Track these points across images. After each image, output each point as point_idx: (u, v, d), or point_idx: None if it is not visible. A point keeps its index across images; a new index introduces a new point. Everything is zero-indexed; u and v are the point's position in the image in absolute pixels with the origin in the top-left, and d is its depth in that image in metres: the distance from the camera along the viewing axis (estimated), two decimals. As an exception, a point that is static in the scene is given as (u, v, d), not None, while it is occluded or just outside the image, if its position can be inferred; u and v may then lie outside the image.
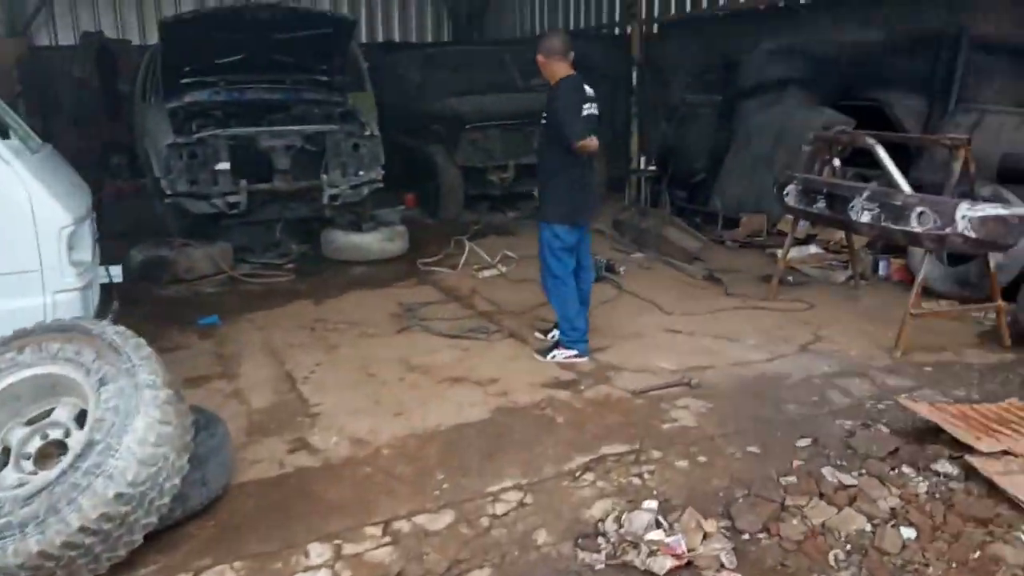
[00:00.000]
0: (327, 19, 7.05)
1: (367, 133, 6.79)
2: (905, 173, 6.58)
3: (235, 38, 6.76)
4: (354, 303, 5.87)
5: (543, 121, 4.44)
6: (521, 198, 9.10)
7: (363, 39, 13.38)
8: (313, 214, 6.97)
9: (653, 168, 8.91)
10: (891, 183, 4.56)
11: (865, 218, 4.48)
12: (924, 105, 6.51)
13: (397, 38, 13.58)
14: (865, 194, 4.52)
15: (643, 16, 9.72)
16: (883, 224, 4.38)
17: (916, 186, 6.02)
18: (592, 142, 4.23)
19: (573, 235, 4.43)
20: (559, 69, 4.28)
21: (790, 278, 5.90)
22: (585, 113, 4.19)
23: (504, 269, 6.65)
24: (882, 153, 4.51)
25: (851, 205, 4.56)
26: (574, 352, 4.51)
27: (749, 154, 7.91)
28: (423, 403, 3.98)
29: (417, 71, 10.12)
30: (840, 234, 6.41)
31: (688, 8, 9.22)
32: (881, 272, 6.04)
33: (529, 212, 9.06)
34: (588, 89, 4.30)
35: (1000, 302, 4.45)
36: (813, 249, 6.64)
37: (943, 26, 6.32)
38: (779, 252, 6.73)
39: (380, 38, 13.50)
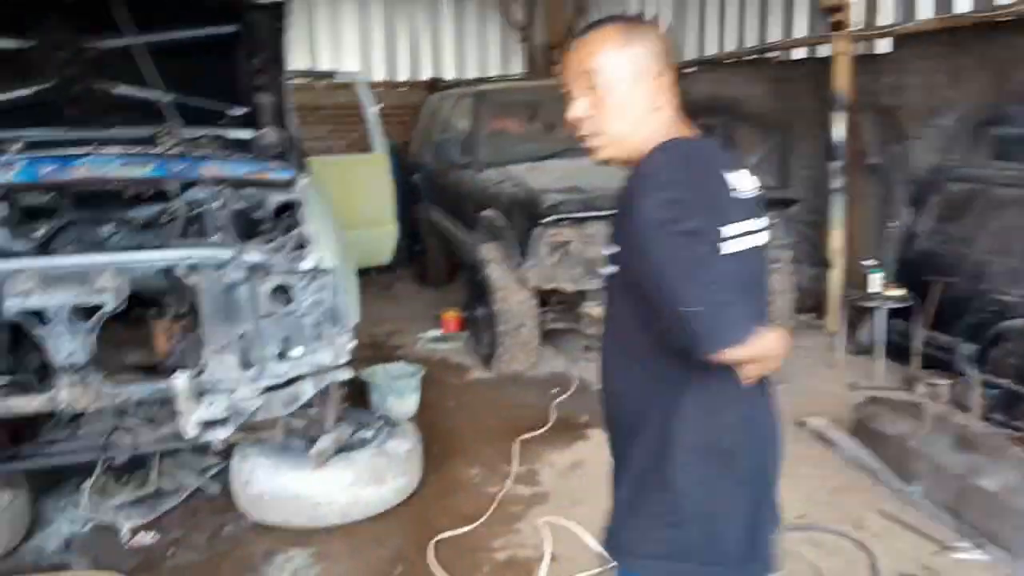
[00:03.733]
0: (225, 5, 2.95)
1: (308, 266, 2.71)
2: None
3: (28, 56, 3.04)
4: None
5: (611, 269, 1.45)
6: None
7: (400, 76, 9.74)
8: (177, 446, 2.99)
9: (899, 294, 4.68)
10: None
11: None
12: None
13: (453, 75, 9.85)
14: None
15: (855, 26, 5.56)
16: None
17: None
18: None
19: None
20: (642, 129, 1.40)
21: None
22: (733, 248, 1.27)
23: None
24: None
25: None
26: None
27: None
28: None
29: (464, 119, 6.24)
30: None
31: (957, 6, 4.96)
32: None
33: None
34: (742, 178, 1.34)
35: None
36: None
37: None
38: None
39: (425, 76, 9.80)
